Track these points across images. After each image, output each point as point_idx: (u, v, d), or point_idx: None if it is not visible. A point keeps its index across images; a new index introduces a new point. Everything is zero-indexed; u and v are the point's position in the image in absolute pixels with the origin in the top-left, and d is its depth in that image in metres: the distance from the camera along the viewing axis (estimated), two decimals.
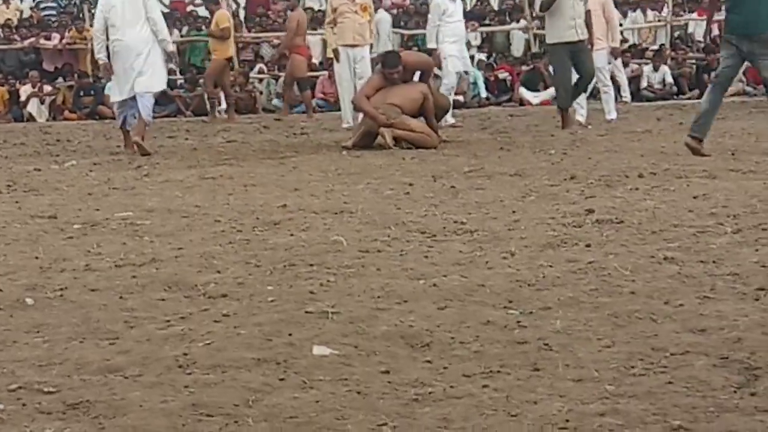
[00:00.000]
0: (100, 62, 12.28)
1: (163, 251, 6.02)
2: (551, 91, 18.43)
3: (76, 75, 19.94)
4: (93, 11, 22.73)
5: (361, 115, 12.21)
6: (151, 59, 11.80)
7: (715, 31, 20.78)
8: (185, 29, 22.07)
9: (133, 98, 11.80)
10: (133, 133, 11.78)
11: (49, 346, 4.23)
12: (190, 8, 23.74)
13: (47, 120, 19.35)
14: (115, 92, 12.36)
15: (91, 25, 20.98)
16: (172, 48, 12.46)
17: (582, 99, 13.93)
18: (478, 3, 24.79)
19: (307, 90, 17.80)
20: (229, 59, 17.91)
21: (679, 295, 4.67)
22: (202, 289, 5.08)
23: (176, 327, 4.44)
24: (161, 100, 18.63)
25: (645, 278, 5.00)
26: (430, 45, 14.66)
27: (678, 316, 4.35)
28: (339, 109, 16.28)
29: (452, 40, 14.34)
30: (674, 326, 4.21)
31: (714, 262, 5.27)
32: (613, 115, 14.08)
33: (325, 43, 21.99)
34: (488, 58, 20.93)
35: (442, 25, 14.28)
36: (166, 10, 19.78)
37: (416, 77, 12.09)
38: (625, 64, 19.29)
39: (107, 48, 11.84)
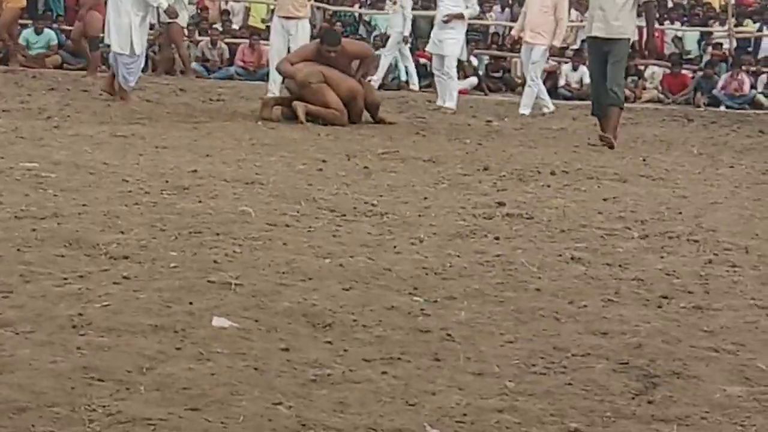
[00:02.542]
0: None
1: (67, 206, 5.88)
2: (471, 80, 18.47)
3: None
4: None
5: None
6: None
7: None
8: None
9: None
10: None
11: None
12: None
13: None
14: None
15: None
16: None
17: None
18: None
19: (98, 50, 16.86)
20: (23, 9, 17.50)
21: (583, 296, 4.68)
22: (103, 248, 4.96)
23: (73, 285, 4.33)
24: (78, 53, 18.23)
25: (551, 276, 5.01)
26: None
27: (581, 317, 4.35)
28: (258, 79, 16.14)
29: (437, 23, 14.26)
30: (577, 327, 4.21)
31: (620, 265, 5.30)
32: (527, 111, 14.21)
33: (248, 10, 21.78)
34: (411, 42, 20.88)
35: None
36: None
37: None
38: None
39: None
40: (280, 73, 12.00)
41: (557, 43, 14.41)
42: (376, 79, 17.74)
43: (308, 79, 11.17)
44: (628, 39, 11.04)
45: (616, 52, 10.78)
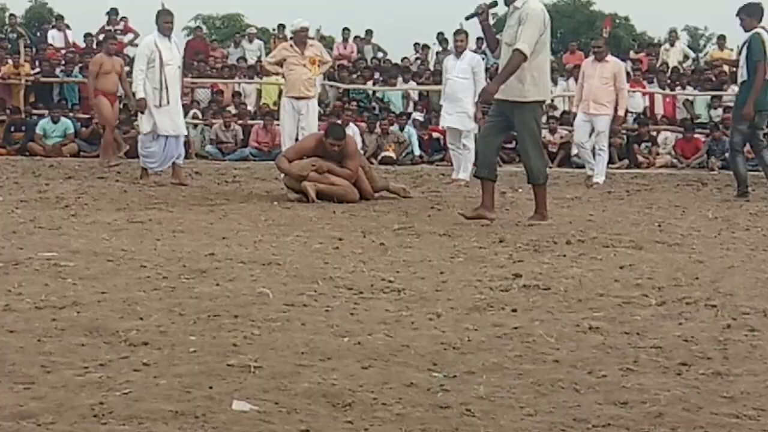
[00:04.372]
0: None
1: (86, 295, 5.92)
2: None
3: (8, 110, 19.70)
4: (27, 46, 22.59)
5: None
6: None
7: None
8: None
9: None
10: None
11: None
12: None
13: None
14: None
15: (26, 61, 20.94)
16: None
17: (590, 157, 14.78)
18: (420, 62, 25.00)
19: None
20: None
21: (602, 365, 4.68)
22: (123, 335, 5.00)
23: (94, 374, 4.35)
24: (93, 139, 18.47)
25: (569, 347, 5.01)
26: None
27: (601, 387, 4.35)
28: (272, 159, 16.26)
29: (446, 97, 14.59)
30: (597, 397, 4.21)
31: (638, 333, 5.30)
32: (601, 179, 14.55)
33: (259, 92, 22.02)
34: (424, 116, 21.04)
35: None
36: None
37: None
38: (553, 131, 19.53)
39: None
40: (278, 169, 12.05)
41: (622, 112, 14.88)
42: None
43: (302, 172, 11.29)
44: (536, 102, 9.56)
45: (519, 119, 9.42)
